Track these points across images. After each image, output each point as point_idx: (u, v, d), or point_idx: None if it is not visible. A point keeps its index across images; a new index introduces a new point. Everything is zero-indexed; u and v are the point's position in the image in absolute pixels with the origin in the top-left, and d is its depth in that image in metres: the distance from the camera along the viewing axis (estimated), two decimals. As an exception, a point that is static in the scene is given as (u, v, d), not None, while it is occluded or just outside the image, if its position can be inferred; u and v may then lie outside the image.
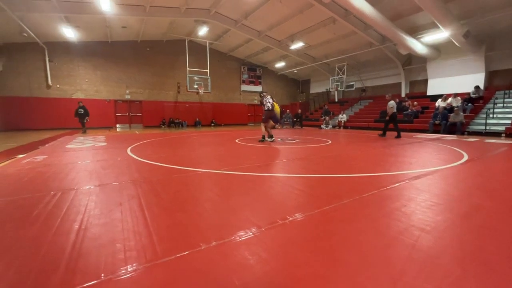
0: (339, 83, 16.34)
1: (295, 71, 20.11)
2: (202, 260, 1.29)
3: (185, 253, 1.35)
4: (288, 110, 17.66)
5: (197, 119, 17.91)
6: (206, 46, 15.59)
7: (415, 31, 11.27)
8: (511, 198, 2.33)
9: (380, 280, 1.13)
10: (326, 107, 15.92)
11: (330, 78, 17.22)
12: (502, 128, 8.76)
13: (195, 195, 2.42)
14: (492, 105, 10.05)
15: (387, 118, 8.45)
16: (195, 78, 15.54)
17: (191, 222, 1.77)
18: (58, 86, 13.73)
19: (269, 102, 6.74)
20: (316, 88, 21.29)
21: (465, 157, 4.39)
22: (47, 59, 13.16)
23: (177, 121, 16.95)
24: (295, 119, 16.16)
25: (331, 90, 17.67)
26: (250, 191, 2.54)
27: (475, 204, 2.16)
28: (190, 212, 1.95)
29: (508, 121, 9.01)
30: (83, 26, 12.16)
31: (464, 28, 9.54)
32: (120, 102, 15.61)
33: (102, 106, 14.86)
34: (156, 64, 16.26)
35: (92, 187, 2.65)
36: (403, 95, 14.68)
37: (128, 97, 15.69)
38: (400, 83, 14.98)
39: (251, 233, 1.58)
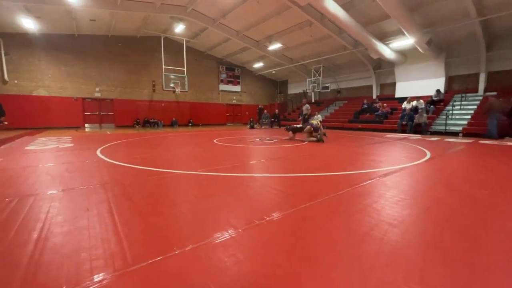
0: (316, 84, 16.82)
1: (273, 72, 20.35)
2: (176, 265, 1.24)
3: (158, 258, 1.29)
4: (266, 111, 17.81)
5: (174, 118, 17.36)
6: (183, 44, 15.17)
7: (384, 37, 11.97)
8: (466, 191, 2.56)
9: (352, 275, 1.18)
10: (310, 107, 16.32)
11: (307, 79, 17.67)
12: (460, 128, 9.64)
13: (171, 197, 2.34)
14: (451, 107, 11.02)
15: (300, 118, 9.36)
16: (172, 76, 15.06)
17: (165, 226, 1.71)
18: (16, 81, 12.49)
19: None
20: (294, 89, 21.72)
21: (428, 155, 4.75)
22: (2, 52, 11.90)
23: (152, 120, 16.29)
24: (273, 119, 16.35)
25: (308, 91, 18.15)
26: (227, 192, 2.51)
27: (436, 198, 2.34)
28: (165, 216, 1.88)
29: (465, 122, 9.93)
30: (46, 17, 11.18)
31: (427, 36, 10.35)
32: (89, 100, 14.62)
33: (68, 104, 13.80)
34: (129, 61, 15.48)
35: (54, 192, 2.44)
36: (374, 97, 15.52)
37: (98, 95, 14.74)
38: (371, 86, 15.83)
39: (227, 235, 1.56)
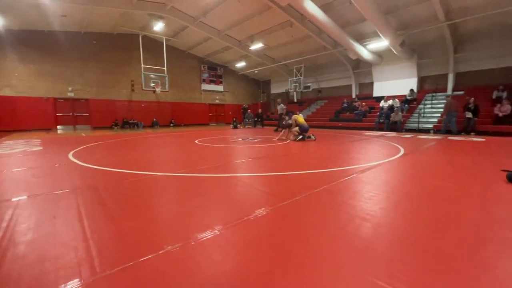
0: (298, 84, 17.08)
1: (256, 72, 20.38)
2: (149, 270, 1.21)
3: (129, 264, 1.24)
4: (249, 110, 17.80)
5: (155, 119, 16.85)
6: (163, 43, 14.76)
7: (361, 38, 12.40)
8: (434, 185, 2.72)
9: (323, 270, 1.21)
10: (285, 107, 16.49)
11: (289, 79, 17.89)
12: (431, 125, 10.23)
13: (147, 200, 2.27)
14: (423, 106, 11.66)
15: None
16: (152, 76, 14.60)
17: (140, 230, 1.65)
18: (-24, 81, 11.50)
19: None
20: (276, 89, 21.91)
21: (402, 152, 4.99)
22: (-40, 48, 10.91)
23: (131, 121, 15.70)
24: (256, 119, 16.39)
25: (290, 90, 18.39)
26: (206, 193, 2.48)
27: (406, 192, 2.47)
28: (140, 220, 1.82)
29: (435, 120, 10.56)
30: (10, 12, 10.39)
31: (400, 38, 10.86)
32: (61, 100, 13.79)
33: (37, 105, 12.92)
34: (106, 60, 14.79)
35: (19, 199, 2.28)
36: (353, 96, 16.05)
37: (71, 94, 13.95)
38: (351, 85, 16.35)
39: (204, 236, 1.54)
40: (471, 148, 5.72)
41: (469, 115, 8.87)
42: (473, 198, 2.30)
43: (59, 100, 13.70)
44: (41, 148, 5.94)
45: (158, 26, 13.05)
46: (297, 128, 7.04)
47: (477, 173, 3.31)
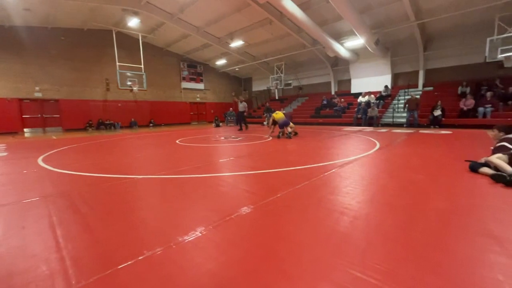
0: (279, 81, 17.22)
1: (236, 69, 20.26)
2: (127, 277, 1.18)
3: (106, 272, 1.21)
4: (231, 108, 17.69)
5: (133, 119, 16.23)
6: (139, 39, 14.17)
7: (339, 37, 12.76)
8: (406, 177, 2.90)
9: (304, 265, 1.25)
10: (267, 104, 16.64)
11: (270, 76, 17.99)
12: (404, 120, 10.81)
13: (125, 205, 2.20)
14: (396, 102, 12.27)
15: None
16: (128, 74, 13.96)
17: (117, 237, 1.60)
18: None
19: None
20: (258, 86, 21.95)
21: (378, 146, 5.24)
22: None
23: (107, 122, 15.01)
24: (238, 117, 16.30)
25: (271, 88, 18.50)
26: (187, 194, 2.45)
27: (381, 185, 2.60)
28: (118, 226, 1.76)
29: (408, 114, 11.15)
30: (-37, 4, 9.45)
31: (375, 36, 11.31)
32: (28, 101, 12.84)
33: (0, 107, 11.93)
34: (76, 57, 13.95)
35: (-19, 210, 2.11)
36: (332, 92, 16.52)
37: (38, 95, 13.02)
38: (330, 82, 16.80)
39: (186, 239, 1.53)
40: (440, 140, 6.13)
41: (437, 113, 9.54)
42: (440, 188, 2.48)
43: (25, 101, 12.75)
44: (6, 153, 5.50)
45: (133, 22, 12.52)
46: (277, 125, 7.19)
47: (445, 164, 3.57)
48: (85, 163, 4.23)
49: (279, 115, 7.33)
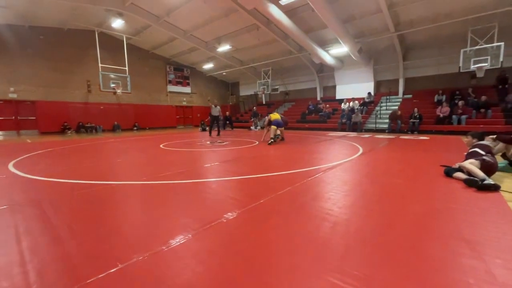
0: (266, 86, 17.36)
1: (224, 73, 20.23)
2: (97, 292, 1.11)
3: (74, 288, 1.13)
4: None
5: (116, 122, 15.69)
6: (123, 41, 13.84)
7: (324, 44, 13.11)
8: (386, 182, 2.98)
9: (282, 273, 1.24)
10: (255, 109, 16.70)
11: (258, 81, 18.11)
12: (386, 126, 11.20)
13: (101, 214, 2.09)
14: (379, 108, 12.72)
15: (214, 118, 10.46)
16: (111, 76, 13.54)
17: (89, 249, 1.51)
18: None
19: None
20: (245, 91, 22.01)
21: (360, 151, 5.38)
22: None
23: (88, 125, 14.43)
24: (225, 121, 16.25)
25: (258, 93, 18.61)
26: (169, 201, 2.38)
27: (362, 191, 2.66)
28: (90, 237, 1.67)
29: (390, 121, 11.58)
30: None
31: (358, 45, 11.73)
32: (1, 102, 12.10)
33: (-31, 108, 11.17)
34: (55, 57, 13.37)
35: None
36: (318, 98, 16.87)
37: (13, 96, 12.31)
38: (316, 88, 17.16)
39: (163, 248, 1.47)
40: (418, 145, 6.40)
41: (414, 120, 10.07)
42: (418, 192, 2.57)
43: (-2, 102, 12.00)
44: (-28, 158, 5.12)
45: (117, 23, 12.21)
46: (274, 127, 7.10)
47: (422, 169, 3.71)
48: (60, 168, 4.02)
49: (275, 115, 7.39)
